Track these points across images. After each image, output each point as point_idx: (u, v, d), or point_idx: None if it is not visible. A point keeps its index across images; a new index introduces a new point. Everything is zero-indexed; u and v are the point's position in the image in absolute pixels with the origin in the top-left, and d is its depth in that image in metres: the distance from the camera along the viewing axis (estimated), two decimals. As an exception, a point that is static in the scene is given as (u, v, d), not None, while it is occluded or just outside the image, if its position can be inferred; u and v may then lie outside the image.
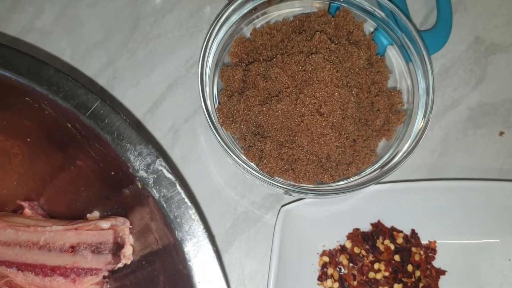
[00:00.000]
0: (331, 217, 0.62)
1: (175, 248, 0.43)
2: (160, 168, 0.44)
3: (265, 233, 0.63)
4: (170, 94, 0.67)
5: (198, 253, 0.42)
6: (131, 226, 0.54)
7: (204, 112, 0.58)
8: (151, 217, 0.46)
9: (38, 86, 0.45)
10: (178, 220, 0.43)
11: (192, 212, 0.43)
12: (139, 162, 0.44)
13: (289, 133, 0.57)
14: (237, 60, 0.63)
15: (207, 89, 0.59)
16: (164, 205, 0.43)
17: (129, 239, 0.55)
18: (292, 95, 0.57)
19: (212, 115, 0.58)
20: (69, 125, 0.47)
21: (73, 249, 0.53)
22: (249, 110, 0.58)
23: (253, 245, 0.63)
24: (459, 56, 0.72)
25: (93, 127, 0.45)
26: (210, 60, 0.60)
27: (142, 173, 0.44)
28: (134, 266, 0.53)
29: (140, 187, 0.45)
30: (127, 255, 0.55)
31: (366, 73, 0.61)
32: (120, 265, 0.54)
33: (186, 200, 0.43)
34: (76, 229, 0.53)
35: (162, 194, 0.43)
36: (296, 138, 0.57)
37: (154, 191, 0.44)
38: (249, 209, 0.64)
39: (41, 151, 0.52)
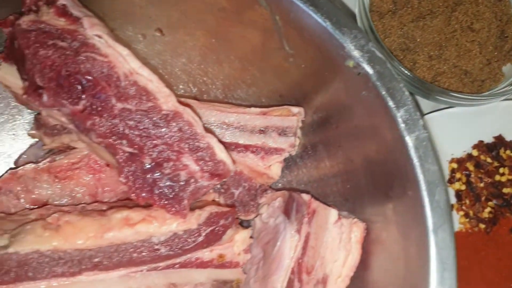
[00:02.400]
0: (459, 130, 0.71)
1: (387, 116, 0.51)
2: (372, 49, 0.52)
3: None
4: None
5: (408, 118, 0.50)
6: (303, 118, 0.62)
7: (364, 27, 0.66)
8: (351, 95, 0.54)
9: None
10: (390, 91, 0.51)
11: (402, 85, 0.51)
12: (354, 43, 0.52)
13: (438, 48, 0.66)
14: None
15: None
16: (377, 79, 0.51)
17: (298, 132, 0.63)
18: (445, 13, 0.65)
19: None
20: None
21: (262, 131, 0.60)
22: (404, 26, 0.66)
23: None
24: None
25: (314, 15, 0.52)
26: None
27: (356, 52, 0.52)
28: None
29: (351, 66, 0.52)
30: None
31: (497, 4, 0.70)
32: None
33: (396, 76, 0.51)
34: (265, 113, 0.60)
35: (376, 70, 0.51)
36: (445, 52, 0.65)
37: (368, 67, 0.51)
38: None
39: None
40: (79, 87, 0.47)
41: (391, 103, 0.51)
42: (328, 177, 0.63)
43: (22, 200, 0.58)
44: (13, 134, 0.68)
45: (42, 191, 0.58)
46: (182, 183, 0.49)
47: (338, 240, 0.56)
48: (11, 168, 0.61)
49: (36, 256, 0.47)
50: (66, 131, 0.61)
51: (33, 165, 0.59)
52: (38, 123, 0.63)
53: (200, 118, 0.49)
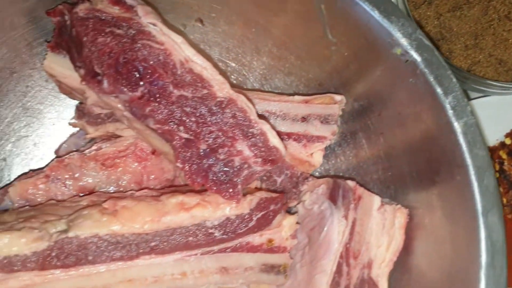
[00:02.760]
0: (492, 118, 0.72)
1: (435, 102, 0.52)
2: (420, 36, 0.53)
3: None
4: None
5: (456, 105, 0.51)
6: (343, 106, 0.63)
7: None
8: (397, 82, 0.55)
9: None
10: (438, 78, 0.52)
11: (449, 72, 0.52)
12: (402, 31, 0.53)
13: (474, 37, 0.67)
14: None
15: None
16: (425, 66, 0.52)
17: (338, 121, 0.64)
18: (483, 2, 0.66)
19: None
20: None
21: (304, 119, 0.61)
22: (440, 15, 0.67)
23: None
24: None
25: (362, 3, 0.53)
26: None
27: (404, 40, 0.53)
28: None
29: (399, 53, 0.53)
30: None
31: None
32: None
33: (444, 63, 0.52)
34: (307, 101, 0.61)
35: (424, 57, 0.52)
36: (481, 41, 0.66)
37: (416, 55, 0.52)
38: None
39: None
40: (137, 74, 0.47)
41: (439, 90, 0.52)
42: (367, 165, 0.64)
43: (70, 188, 0.59)
44: (53, 124, 0.69)
45: (89, 178, 0.59)
46: (236, 168, 0.50)
47: (381, 226, 0.57)
48: (57, 157, 0.61)
49: (95, 240, 0.48)
50: (111, 119, 0.62)
51: (79, 154, 0.60)
52: (80, 113, 0.64)
53: (253, 105, 0.50)
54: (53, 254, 0.47)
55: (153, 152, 0.60)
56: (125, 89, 0.47)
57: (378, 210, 0.57)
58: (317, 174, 0.69)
